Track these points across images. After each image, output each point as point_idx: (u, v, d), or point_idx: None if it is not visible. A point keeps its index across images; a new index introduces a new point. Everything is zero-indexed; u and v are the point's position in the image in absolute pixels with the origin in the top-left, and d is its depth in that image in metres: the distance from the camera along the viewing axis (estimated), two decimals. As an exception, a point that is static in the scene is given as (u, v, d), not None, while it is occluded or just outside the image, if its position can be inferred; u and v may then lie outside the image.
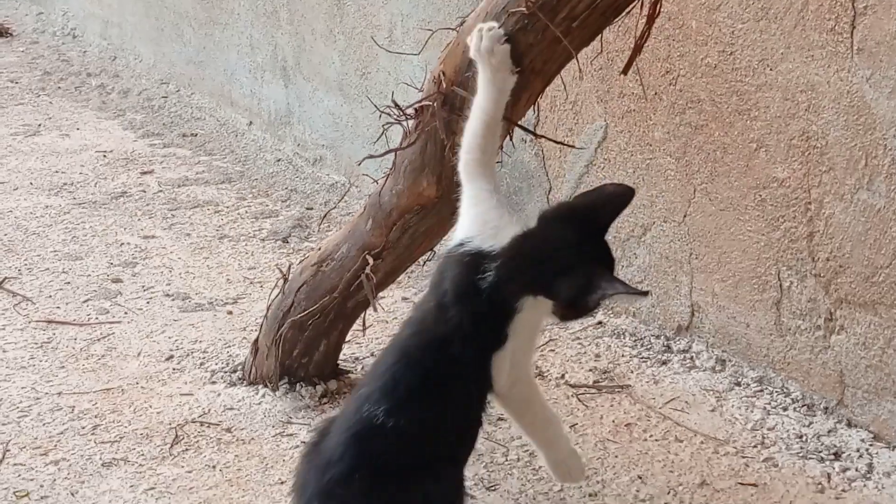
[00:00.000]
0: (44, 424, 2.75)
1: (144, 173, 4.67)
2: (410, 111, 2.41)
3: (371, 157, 2.49)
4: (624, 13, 2.07)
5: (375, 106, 2.46)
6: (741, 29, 2.78)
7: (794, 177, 2.71)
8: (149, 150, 4.99)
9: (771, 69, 2.72)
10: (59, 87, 6.00)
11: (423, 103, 2.36)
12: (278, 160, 4.80)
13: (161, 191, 4.45)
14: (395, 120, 2.45)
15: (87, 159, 4.85)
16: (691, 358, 3.04)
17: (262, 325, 2.92)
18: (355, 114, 4.34)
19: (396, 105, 2.41)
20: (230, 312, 3.38)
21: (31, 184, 4.51)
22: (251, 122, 5.16)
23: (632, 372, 3.00)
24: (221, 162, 4.82)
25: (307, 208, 4.26)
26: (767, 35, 2.72)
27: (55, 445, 2.66)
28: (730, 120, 2.85)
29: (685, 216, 3.02)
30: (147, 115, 5.51)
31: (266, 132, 5.03)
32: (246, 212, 4.23)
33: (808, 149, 2.67)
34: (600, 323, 3.22)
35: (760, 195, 2.81)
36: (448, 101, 2.31)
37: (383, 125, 2.47)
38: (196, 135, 5.18)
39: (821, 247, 2.68)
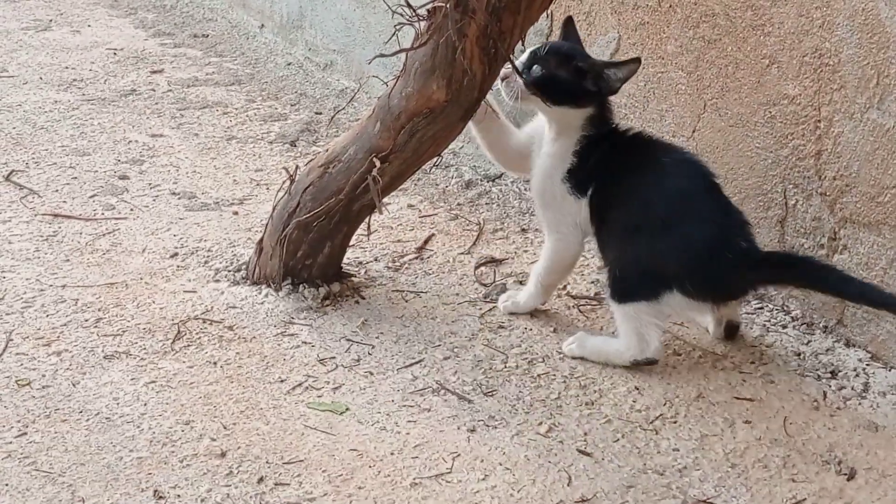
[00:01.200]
0: (47, 316, 2.77)
1: (154, 72, 4.66)
2: (423, 12, 2.39)
3: (382, 55, 2.48)
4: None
5: (388, 6, 2.44)
6: (759, -56, 2.75)
7: (805, 94, 2.70)
8: (159, 49, 4.97)
9: None
10: (72, -16, 5.97)
11: (437, 4, 2.35)
12: (289, 64, 4.79)
13: (170, 90, 4.44)
14: (408, 21, 2.44)
15: (98, 56, 4.83)
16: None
17: (266, 226, 2.92)
18: (367, 19, 4.31)
19: (409, 5, 2.39)
20: (236, 213, 3.39)
21: (41, 79, 4.50)
22: (263, 25, 5.13)
23: (634, 285, 3.02)
24: (232, 64, 4.80)
25: (316, 113, 4.25)
26: (785, -48, 2.69)
27: (58, 337, 2.68)
28: (743, 35, 2.83)
29: (694, 131, 3.01)
30: (159, 14, 5.48)
31: (277, 35, 5.00)
32: (255, 114, 4.22)
33: (820, 66, 2.65)
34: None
35: (770, 112, 2.79)
36: (461, 3, 2.30)
37: (395, 26, 2.46)
38: (207, 36, 5.16)
39: (828, 165, 2.67)
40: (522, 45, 2.43)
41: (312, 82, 4.58)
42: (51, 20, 5.31)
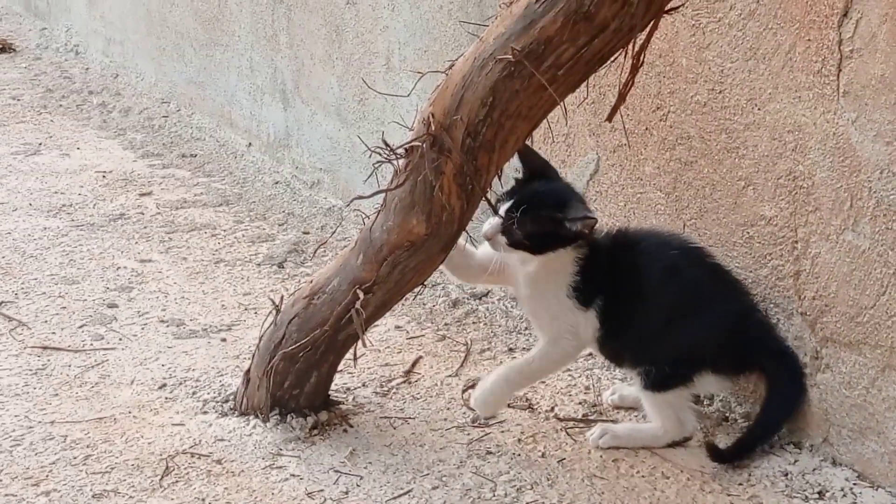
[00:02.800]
0: (36, 454, 2.77)
1: (143, 195, 4.70)
2: (400, 151, 2.44)
3: (360, 197, 2.52)
4: (608, 62, 2.09)
5: (366, 146, 2.48)
6: (730, 68, 2.81)
7: (782, 216, 2.74)
8: (148, 170, 5.02)
9: (759, 108, 2.75)
10: (61, 105, 6.04)
11: (413, 143, 2.39)
12: (276, 183, 4.84)
13: (159, 213, 4.49)
14: (386, 159, 2.48)
15: (87, 180, 4.88)
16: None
17: (254, 356, 2.94)
18: (353, 139, 4.37)
19: (387, 145, 2.44)
20: (224, 340, 3.41)
21: (30, 205, 4.55)
22: (250, 144, 5.19)
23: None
24: (220, 184, 4.85)
25: (304, 232, 4.29)
26: (756, 75, 2.74)
27: (47, 476, 2.68)
28: (719, 157, 2.87)
29: (675, 251, 3.04)
30: (147, 134, 5.54)
31: (265, 154, 5.06)
32: (243, 235, 4.26)
33: (794, 188, 2.69)
34: (591, 354, 3.23)
35: (748, 233, 2.83)
36: (437, 143, 2.34)
37: (374, 164, 2.50)
38: (195, 156, 5.22)
39: (807, 286, 2.70)
40: (499, 180, 2.47)
41: (300, 200, 4.63)
42: (40, 143, 5.37)
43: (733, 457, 2.73)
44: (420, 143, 2.36)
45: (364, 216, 2.69)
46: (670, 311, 2.74)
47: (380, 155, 2.45)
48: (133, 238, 4.21)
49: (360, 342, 2.77)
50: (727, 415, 2.95)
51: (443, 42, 3.76)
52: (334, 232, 3.82)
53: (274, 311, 2.90)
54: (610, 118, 2.21)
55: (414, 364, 3.27)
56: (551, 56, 2.08)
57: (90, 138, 5.49)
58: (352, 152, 4.39)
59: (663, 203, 3.06)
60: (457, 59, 2.32)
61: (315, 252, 4.00)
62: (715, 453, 2.72)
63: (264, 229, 4.33)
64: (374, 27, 4.13)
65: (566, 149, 3.32)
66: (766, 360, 2.77)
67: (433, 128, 2.33)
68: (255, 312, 3.57)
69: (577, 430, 2.92)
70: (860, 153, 2.52)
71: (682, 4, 2.19)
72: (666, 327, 2.73)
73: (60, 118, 5.82)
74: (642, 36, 2.05)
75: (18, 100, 6.15)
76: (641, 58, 2.06)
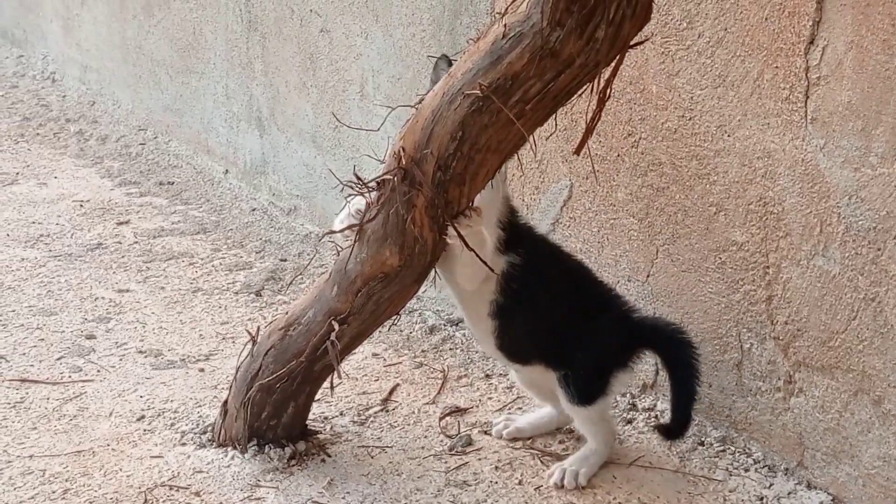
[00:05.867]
0: (14, 489, 2.77)
1: (120, 223, 4.70)
2: (372, 184, 2.45)
3: (332, 232, 2.54)
4: (576, 96, 2.12)
5: (339, 180, 2.50)
6: (699, 95, 2.83)
7: (753, 241, 2.76)
8: (125, 199, 5.02)
9: (729, 135, 2.77)
10: (38, 134, 6.03)
11: (384, 177, 2.41)
12: (253, 210, 4.84)
13: (136, 242, 4.49)
14: (358, 192, 2.49)
15: (64, 209, 4.88)
16: (656, 417, 3.08)
17: (231, 387, 2.95)
18: (328, 165, 4.38)
19: (359, 178, 2.45)
20: (202, 370, 3.41)
21: (8, 235, 4.54)
22: (227, 171, 5.20)
23: (597, 430, 3.04)
24: (197, 211, 4.85)
25: (281, 260, 4.30)
26: (725, 102, 2.77)
27: (25, 511, 2.69)
28: (690, 183, 2.90)
29: (648, 276, 3.07)
30: (125, 162, 5.54)
31: (242, 181, 5.07)
32: (220, 264, 4.27)
33: (765, 214, 2.72)
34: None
35: (720, 258, 2.86)
36: (408, 176, 2.36)
37: (346, 197, 2.51)
38: (173, 183, 5.22)
39: (779, 310, 2.73)
40: (469, 209, 2.48)
41: (277, 227, 4.64)
42: (17, 173, 5.36)
43: (679, 430, 2.78)
44: (391, 177, 2.38)
45: (339, 248, 2.71)
46: (576, 319, 2.79)
47: (352, 188, 2.47)
48: (111, 268, 4.21)
49: (335, 373, 2.78)
50: (702, 439, 2.97)
51: (416, 70, 3.78)
52: (309, 263, 3.82)
53: (250, 343, 2.91)
54: (578, 151, 2.22)
55: (391, 392, 3.28)
56: (519, 91, 2.10)
57: (67, 167, 5.48)
58: (328, 179, 4.41)
59: (636, 229, 3.08)
60: (426, 94, 2.34)
61: (290, 283, 4.00)
62: (664, 432, 2.81)
63: (242, 257, 4.33)
64: (348, 55, 4.15)
65: (539, 175, 3.34)
66: (654, 337, 2.81)
67: (404, 161, 2.35)
68: (233, 342, 3.57)
69: (553, 457, 2.93)
70: (829, 179, 2.55)
71: (646, 40, 2.21)
72: (575, 336, 2.77)
73: (38, 147, 5.81)
74: (608, 70, 2.07)
75: (-4, 129, 6.15)
76: (608, 92, 2.08)
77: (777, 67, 2.64)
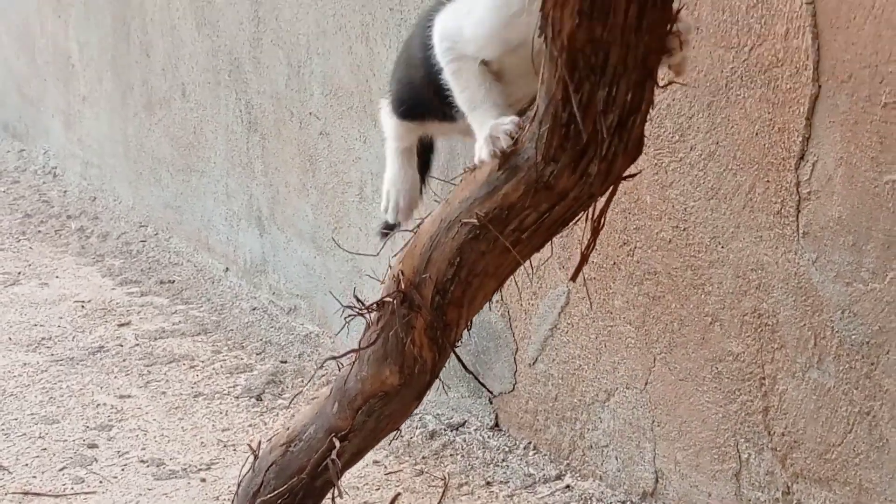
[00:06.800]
0: None
1: (121, 325, 4.73)
2: (372, 306, 2.49)
3: (333, 358, 2.57)
4: (571, 224, 2.16)
5: (339, 302, 2.53)
6: (693, 206, 2.87)
7: (749, 352, 2.79)
8: (126, 298, 5.06)
9: (722, 247, 2.81)
10: (40, 231, 6.08)
11: (384, 299, 2.44)
12: (254, 309, 4.88)
13: (138, 344, 4.51)
14: (357, 312, 2.52)
15: (66, 310, 4.91)
16: (657, 528, 3.10)
17: (233, 502, 2.96)
18: (328, 265, 4.42)
19: (359, 300, 2.49)
20: (203, 480, 3.42)
21: (10, 339, 4.57)
22: (227, 269, 5.24)
23: (598, 539, 3.06)
24: (198, 311, 4.88)
25: (281, 361, 4.32)
26: (718, 214, 2.81)
27: None
28: (685, 293, 2.93)
29: (646, 384, 3.09)
30: (125, 260, 5.58)
31: (242, 279, 5.11)
32: (221, 366, 4.29)
33: (760, 325, 2.75)
34: (568, 487, 3.27)
35: (717, 368, 2.88)
36: (407, 299, 2.39)
37: (346, 318, 2.55)
38: (173, 281, 5.26)
39: (776, 421, 2.75)
40: (468, 330, 2.51)
41: (277, 327, 4.67)
42: (19, 272, 5.40)
43: None
44: (391, 300, 2.41)
45: (340, 364, 2.73)
46: None
47: (352, 310, 2.50)
48: (112, 372, 4.23)
49: (335, 490, 2.80)
50: None
51: (414, 175, 3.83)
52: (310, 379, 3.85)
53: (252, 458, 2.93)
54: (574, 278, 2.26)
55: (392, 502, 3.29)
56: (515, 220, 2.14)
57: (69, 265, 5.52)
58: (327, 279, 4.45)
59: (634, 336, 3.11)
60: (424, 218, 2.38)
61: (292, 400, 4.02)
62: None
63: (242, 359, 4.36)
64: (347, 157, 4.21)
65: (537, 281, 3.37)
66: None
67: (403, 285, 2.38)
68: (234, 449, 3.59)
69: None
70: (822, 293, 2.59)
71: (639, 172, 2.26)
72: None
73: (39, 244, 5.86)
74: (603, 199, 2.11)
75: (-3, 226, 6.21)
76: (602, 221, 2.12)
77: (768, 182, 2.68)
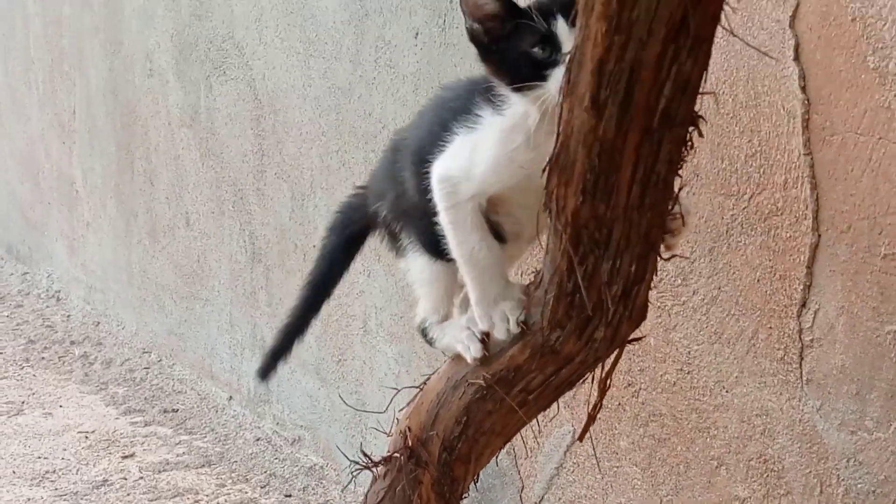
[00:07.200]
0: None
1: (125, 457, 4.73)
2: (380, 461, 2.50)
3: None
4: (577, 385, 2.18)
5: (346, 457, 2.55)
6: (697, 350, 2.90)
7: (755, 497, 2.79)
8: (130, 428, 5.06)
9: (727, 391, 2.83)
10: (43, 358, 6.09)
11: (392, 454, 2.46)
12: (258, 439, 4.87)
13: (142, 477, 4.51)
14: (365, 465, 2.53)
15: (70, 441, 4.91)
16: None
17: None
18: (332, 398, 4.43)
19: (366, 455, 2.50)
20: None
21: (14, 472, 4.56)
22: (231, 398, 5.24)
23: None
24: (202, 442, 4.88)
25: (286, 495, 4.31)
26: (721, 358, 2.83)
27: None
28: (691, 436, 2.94)
29: (654, 526, 3.09)
30: (129, 388, 5.59)
31: (246, 408, 5.11)
32: (225, 500, 4.28)
33: (766, 471, 2.76)
34: None
35: (724, 512, 2.89)
36: (414, 455, 2.41)
37: (353, 472, 2.55)
38: (177, 410, 5.26)
39: (784, 568, 2.75)
40: (475, 484, 2.52)
41: (281, 459, 4.66)
42: (23, 402, 5.40)
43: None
44: (398, 455, 2.43)
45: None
46: None
47: (359, 464, 2.51)
48: (116, 508, 4.23)
49: None
50: None
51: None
52: None
53: None
54: (581, 438, 2.28)
55: None
56: (521, 382, 2.16)
57: (72, 394, 5.53)
58: (332, 411, 4.45)
59: (639, 478, 3.11)
60: (431, 375, 2.41)
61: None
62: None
63: (247, 493, 4.35)
64: (351, 291, 4.24)
65: (542, 419, 3.38)
66: None
67: (410, 441, 2.40)
68: (240, 590, 3.58)
69: None
70: (826, 441, 2.60)
71: (644, 337, 2.29)
72: None
73: (43, 372, 5.87)
74: (609, 361, 2.14)
75: (1, 353, 6.20)
76: (608, 382, 2.15)
77: (771, 328, 2.71)
